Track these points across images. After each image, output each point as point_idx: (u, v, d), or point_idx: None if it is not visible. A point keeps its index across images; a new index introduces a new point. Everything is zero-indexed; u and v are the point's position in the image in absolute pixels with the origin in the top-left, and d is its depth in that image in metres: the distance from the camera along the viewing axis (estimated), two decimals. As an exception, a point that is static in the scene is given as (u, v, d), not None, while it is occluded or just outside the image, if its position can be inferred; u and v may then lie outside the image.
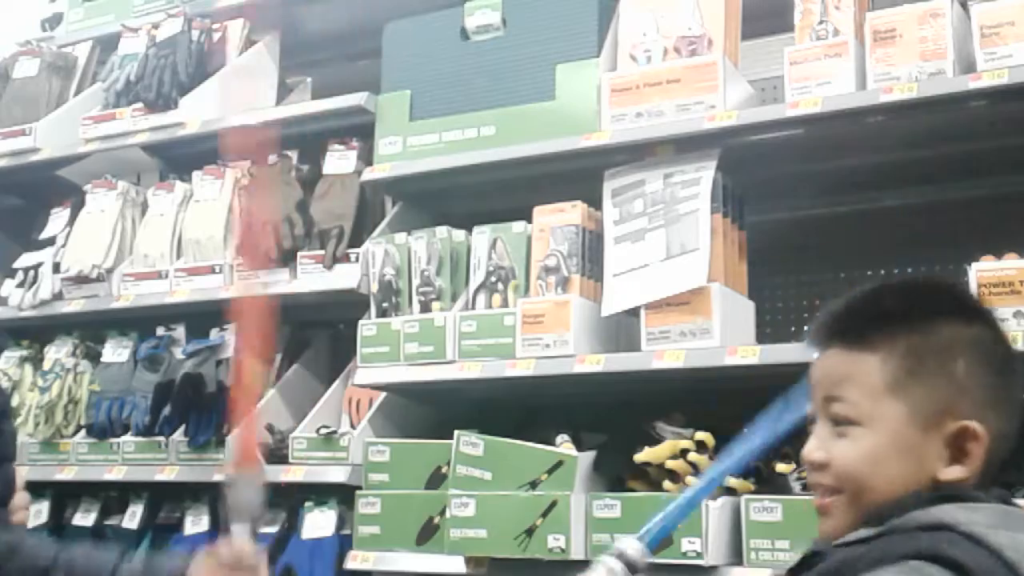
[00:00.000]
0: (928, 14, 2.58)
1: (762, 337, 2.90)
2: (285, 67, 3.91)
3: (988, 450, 1.27)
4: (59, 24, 4.29)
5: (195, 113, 3.60)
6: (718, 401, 3.04)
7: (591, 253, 2.88)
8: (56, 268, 3.74)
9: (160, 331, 3.66)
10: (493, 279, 2.96)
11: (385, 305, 3.08)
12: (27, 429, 3.68)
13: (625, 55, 2.95)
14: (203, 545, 3.34)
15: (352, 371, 3.21)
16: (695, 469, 2.59)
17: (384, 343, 3.02)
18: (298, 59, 3.99)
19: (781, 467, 2.59)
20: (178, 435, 3.39)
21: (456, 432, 2.81)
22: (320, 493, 3.20)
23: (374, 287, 3.10)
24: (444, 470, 2.88)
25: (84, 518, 3.66)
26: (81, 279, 3.65)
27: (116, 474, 3.47)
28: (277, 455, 3.25)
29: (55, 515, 3.73)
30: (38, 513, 3.73)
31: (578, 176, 2.97)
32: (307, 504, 3.21)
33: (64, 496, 3.76)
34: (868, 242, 3.11)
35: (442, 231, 3.07)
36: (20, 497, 2.16)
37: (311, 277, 3.26)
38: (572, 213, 2.90)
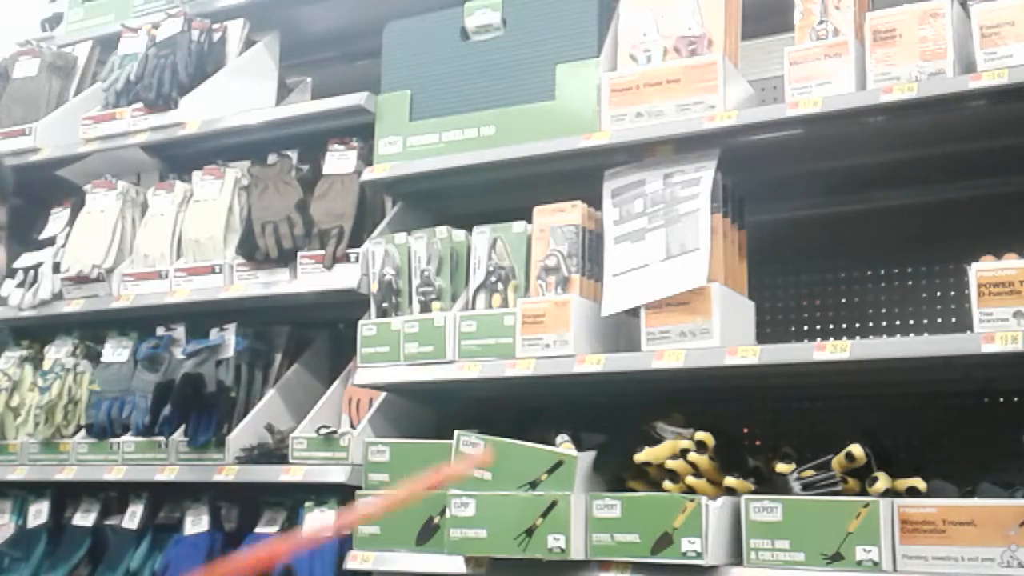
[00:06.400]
0: (928, 14, 2.58)
1: (762, 337, 2.90)
2: (285, 67, 3.91)
3: None
4: (59, 24, 4.29)
5: (195, 113, 3.60)
6: (718, 401, 3.05)
7: (591, 253, 2.88)
8: (56, 268, 3.74)
9: (160, 331, 3.66)
10: (493, 279, 2.96)
11: (385, 305, 3.08)
12: (27, 429, 3.68)
13: (625, 55, 2.95)
14: (203, 545, 3.38)
15: (352, 371, 3.21)
16: (695, 469, 2.59)
17: (384, 343, 3.02)
18: (298, 59, 4.00)
19: (781, 467, 2.59)
20: (178, 435, 3.39)
21: (456, 432, 2.81)
22: (320, 493, 3.20)
23: (374, 287, 3.10)
24: (444, 470, 2.88)
25: (84, 518, 3.66)
26: (81, 279, 3.65)
27: (116, 474, 3.46)
28: (277, 455, 3.25)
29: (55, 515, 3.73)
30: (38, 513, 3.73)
31: (578, 176, 2.97)
32: (307, 504, 3.21)
33: (64, 496, 3.76)
34: (868, 242, 3.11)
35: (442, 231, 3.07)
36: None
37: (311, 277, 3.26)
38: (572, 213, 2.90)
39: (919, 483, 2.47)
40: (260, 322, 3.58)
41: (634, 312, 2.74)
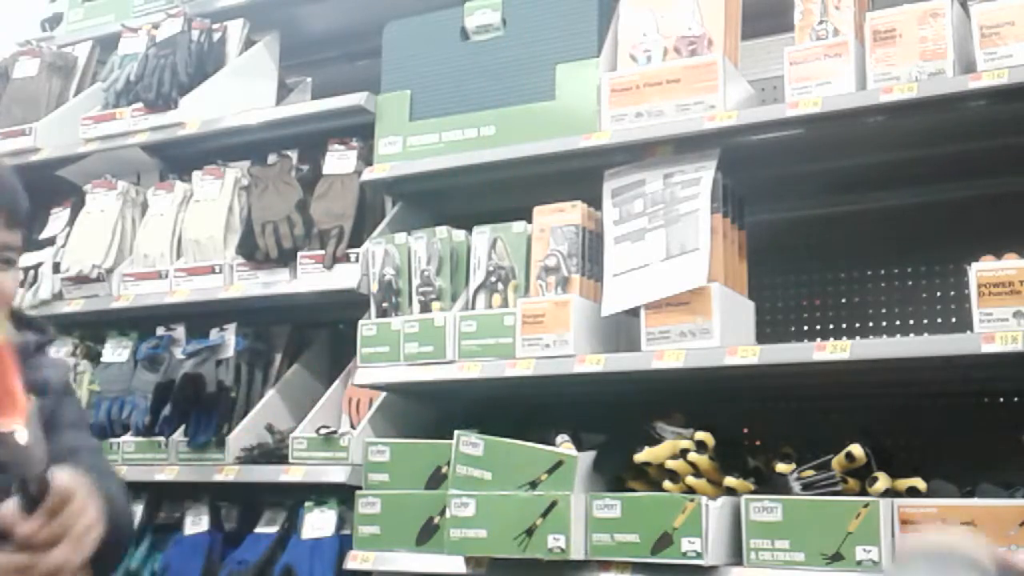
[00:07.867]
0: (928, 14, 2.58)
1: (762, 337, 2.90)
2: (285, 67, 3.91)
3: None
4: (59, 24, 4.29)
5: (195, 113, 3.60)
6: (718, 401, 3.05)
7: (591, 253, 2.88)
8: (56, 268, 3.73)
9: (160, 331, 3.66)
10: (493, 279, 2.96)
11: (385, 305, 3.08)
12: (27, 429, 3.67)
13: (625, 55, 2.95)
14: (203, 545, 3.37)
15: (352, 371, 3.21)
16: (695, 469, 2.60)
17: (384, 343, 3.02)
18: (298, 59, 4.00)
19: (781, 467, 2.59)
20: (178, 435, 3.39)
21: (456, 432, 2.81)
22: (320, 493, 3.20)
23: (374, 287, 3.10)
24: (444, 470, 2.88)
25: (84, 518, 3.66)
26: (81, 279, 3.65)
27: (116, 474, 3.46)
28: (277, 455, 3.25)
29: (55, 515, 3.72)
30: (38, 513, 3.73)
31: (578, 176, 2.97)
32: (307, 504, 3.21)
33: (64, 496, 3.75)
34: (868, 242, 3.11)
35: (442, 231, 3.07)
36: None
37: (311, 277, 3.26)
38: (572, 213, 2.90)
39: (919, 483, 2.47)
40: (260, 322, 3.58)
41: (634, 312, 2.74)
